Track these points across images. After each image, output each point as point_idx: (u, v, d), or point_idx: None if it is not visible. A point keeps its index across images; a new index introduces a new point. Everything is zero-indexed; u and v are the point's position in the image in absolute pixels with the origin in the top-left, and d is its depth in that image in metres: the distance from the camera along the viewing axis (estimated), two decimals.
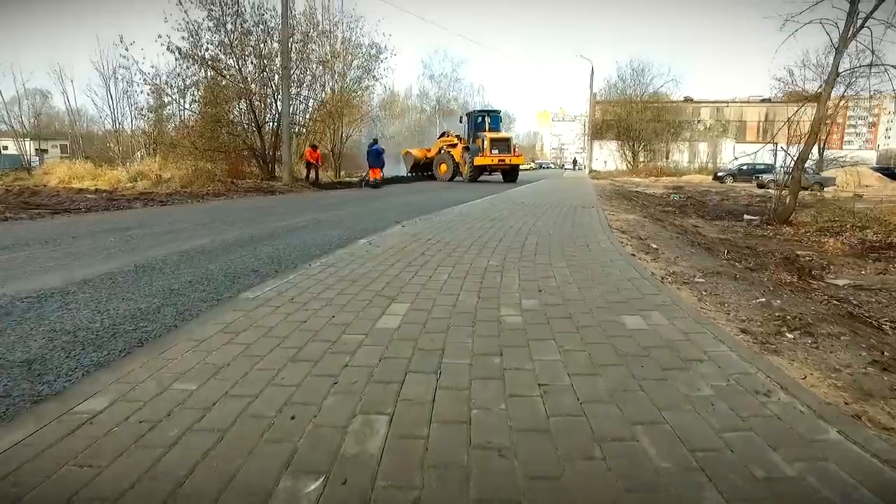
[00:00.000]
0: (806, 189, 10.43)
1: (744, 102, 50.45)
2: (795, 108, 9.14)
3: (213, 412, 1.40)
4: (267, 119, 17.31)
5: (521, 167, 21.43)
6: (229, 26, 15.87)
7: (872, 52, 7.55)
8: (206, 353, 1.84)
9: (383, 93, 27.61)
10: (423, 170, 21.91)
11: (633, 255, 3.97)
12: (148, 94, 17.69)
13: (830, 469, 1.13)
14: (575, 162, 60.67)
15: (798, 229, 7.44)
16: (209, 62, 15.92)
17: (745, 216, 8.85)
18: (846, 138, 69.17)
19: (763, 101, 45.91)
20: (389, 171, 19.05)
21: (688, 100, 46.04)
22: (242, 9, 15.93)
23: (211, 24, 15.56)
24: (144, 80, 16.69)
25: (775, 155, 19.87)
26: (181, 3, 14.86)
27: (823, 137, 28.63)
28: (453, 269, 3.26)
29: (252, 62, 16.57)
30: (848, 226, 7.22)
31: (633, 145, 39.44)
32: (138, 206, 8.76)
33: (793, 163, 8.40)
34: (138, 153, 18.45)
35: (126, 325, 2.28)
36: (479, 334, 2.03)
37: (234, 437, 1.27)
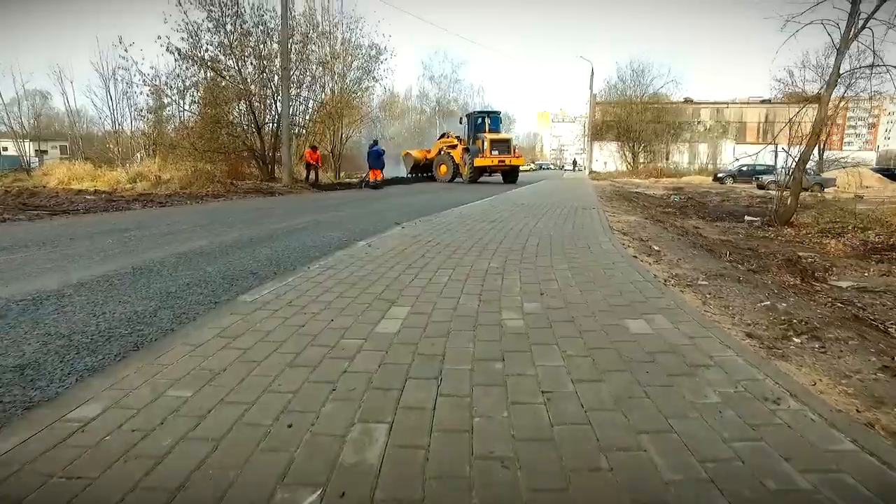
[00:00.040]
0: (806, 190, 10.39)
1: (744, 103, 50.47)
2: (796, 109, 9.11)
3: (208, 420, 1.37)
4: (266, 120, 17.29)
5: (520, 168, 21.40)
6: (229, 27, 15.86)
7: (874, 53, 7.53)
8: (202, 358, 1.81)
9: (383, 94, 27.63)
10: (422, 171, 21.89)
11: (635, 257, 3.94)
12: (147, 95, 17.70)
13: (846, 481, 1.09)
14: (575, 163, 60.70)
15: (799, 230, 7.40)
16: (209, 63, 15.89)
17: (747, 217, 8.82)
18: (846, 139, 69.19)
19: (763, 102, 45.93)
20: (389, 172, 19.05)
21: (688, 101, 46.03)
22: (242, 10, 15.93)
23: (210, 25, 15.55)
24: (144, 80, 16.69)
25: (776, 156, 19.84)
26: (181, 4, 14.85)
27: (824, 139, 28.60)
28: (454, 272, 3.23)
29: (252, 63, 16.54)
30: (850, 227, 7.18)
31: (633, 146, 39.40)
32: (137, 207, 8.72)
33: (794, 164, 8.37)
34: (138, 154, 18.44)
35: (122, 328, 2.24)
36: (480, 339, 2.00)
37: (229, 447, 1.24)
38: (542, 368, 1.71)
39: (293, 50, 16.75)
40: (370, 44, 21.06)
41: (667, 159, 40.00)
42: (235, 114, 16.90)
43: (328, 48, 20.17)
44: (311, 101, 19.38)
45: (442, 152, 20.65)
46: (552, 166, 77.55)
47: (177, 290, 2.93)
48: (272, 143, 16.99)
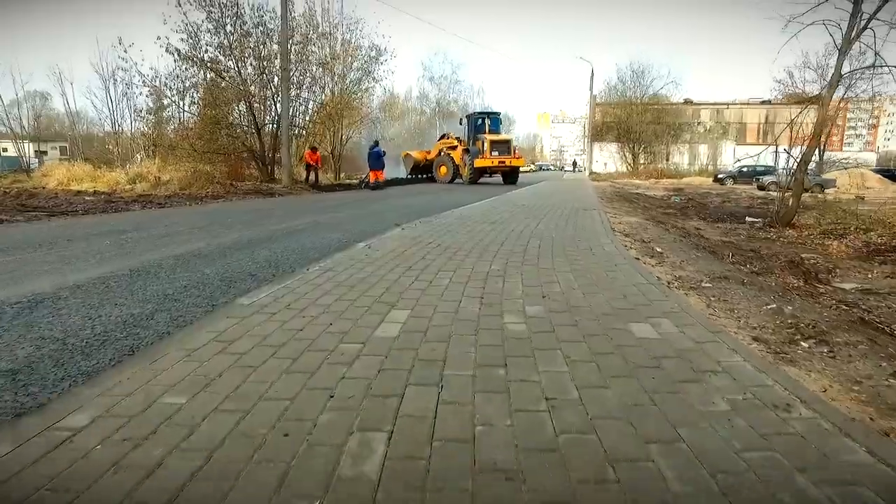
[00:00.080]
0: (807, 191, 10.34)
1: (744, 104, 50.52)
2: (797, 110, 9.08)
3: (202, 429, 1.32)
4: (266, 121, 17.24)
5: (521, 169, 21.35)
6: (228, 28, 15.82)
7: (876, 54, 7.50)
8: (197, 363, 1.77)
9: (383, 95, 27.62)
10: (422, 172, 21.84)
11: (638, 258, 3.90)
12: (147, 96, 17.66)
13: (864, 495, 1.05)
14: (575, 164, 60.63)
15: (801, 232, 7.37)
16: (208, 64, 15.86)
17: (748, 218, 8.79)
18: (846, 140, 69.17)
19: (763, 102, 45.95)
20: (389, 173, 18.99)
21: (688, 102, 46.04)
22: (242, 11, 15.90)
23: (210, 26, 15.52)
24: (144, 81, 16.65)
25: (776, 157, 19.80)
26: (180, 5, 14.82)
27: (824, 140, 28.57)
28: (454, 274, 3.19)
29: (251, 64, 16.50)
30: (852, 228, 7.14)
31: (634, 147, 39.35)
32: (136, 208, 8.68)
33: (795, 165, 8.33)
34: (137, 155, 18.39)
35: (117, 332, 2.20)
36: (482, 343, 1.96)
37: (222, 458, 1.19)
38: (546, 374, 1.66)
39: (293, 51, 16.71)
40: (370, 44, 21.07)
41: (667, 160, 39.92)
42: (235, 115, 16.86)
43: (328, 49, 20.15)
44: (310, 102, 19.37)
45: (442, 153, 20.59)
46: (552, 167, 77.43)
47: (174, 292, 2.89)
48: (272, 144, 16.94)
